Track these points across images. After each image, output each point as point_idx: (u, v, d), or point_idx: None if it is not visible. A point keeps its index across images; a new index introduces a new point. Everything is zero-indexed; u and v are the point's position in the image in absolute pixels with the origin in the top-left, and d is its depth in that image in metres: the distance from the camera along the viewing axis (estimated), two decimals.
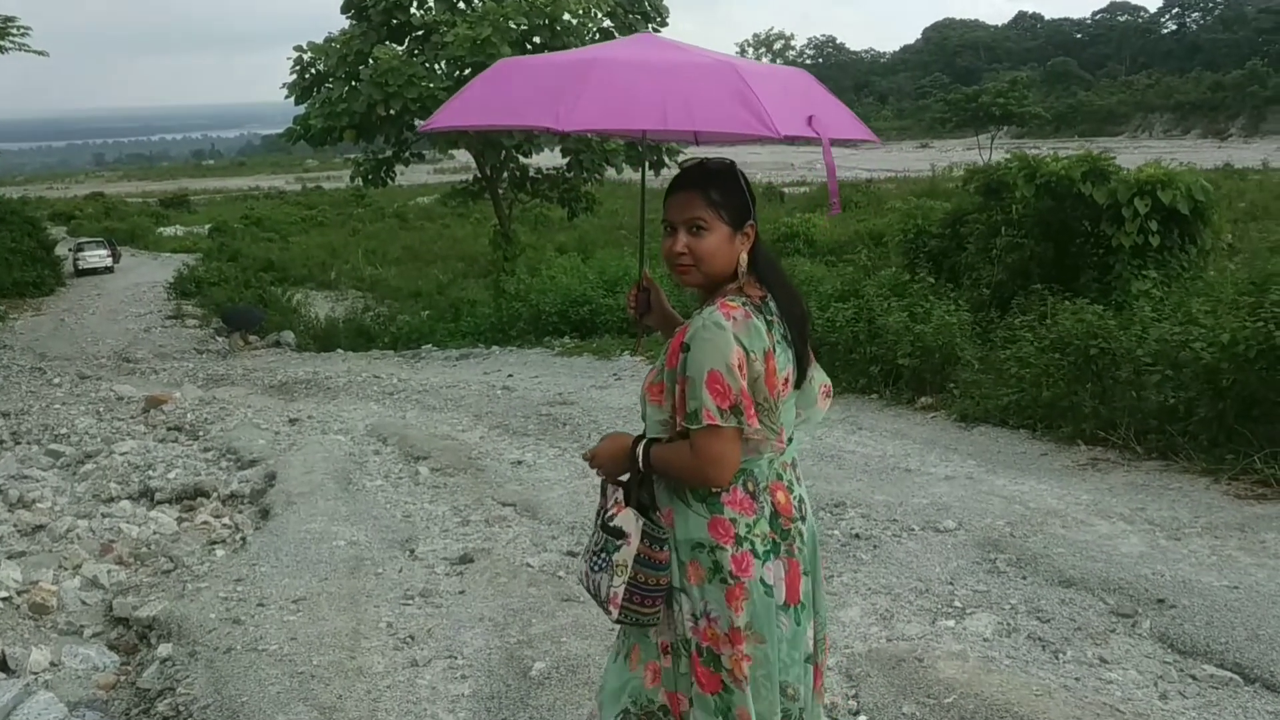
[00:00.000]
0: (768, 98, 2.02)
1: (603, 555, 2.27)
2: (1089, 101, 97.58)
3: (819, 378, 2.36)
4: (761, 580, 2.17)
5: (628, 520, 2.24)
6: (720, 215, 2.17)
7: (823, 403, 2.39)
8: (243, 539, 6.01)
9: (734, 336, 2.08)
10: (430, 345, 15.61)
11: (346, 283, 27.41)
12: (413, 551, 5.53)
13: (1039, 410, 6.92)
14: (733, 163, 2.21)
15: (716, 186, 2.18)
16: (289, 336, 18.99)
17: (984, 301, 9.66)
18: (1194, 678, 3.56)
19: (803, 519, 2.27)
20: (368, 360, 14.89)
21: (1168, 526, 5.00)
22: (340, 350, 16.79)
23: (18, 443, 10.14)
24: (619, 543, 2.25)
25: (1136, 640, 3.88)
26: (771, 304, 2.21)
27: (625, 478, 2.31)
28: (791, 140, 2.12)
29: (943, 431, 7.27)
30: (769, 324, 2.17)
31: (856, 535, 5.26)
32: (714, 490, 2.17)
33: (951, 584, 4.55)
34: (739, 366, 2.08)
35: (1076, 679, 3.60)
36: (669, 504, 2.24)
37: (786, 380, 2.21)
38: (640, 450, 2.24)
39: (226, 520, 6.59)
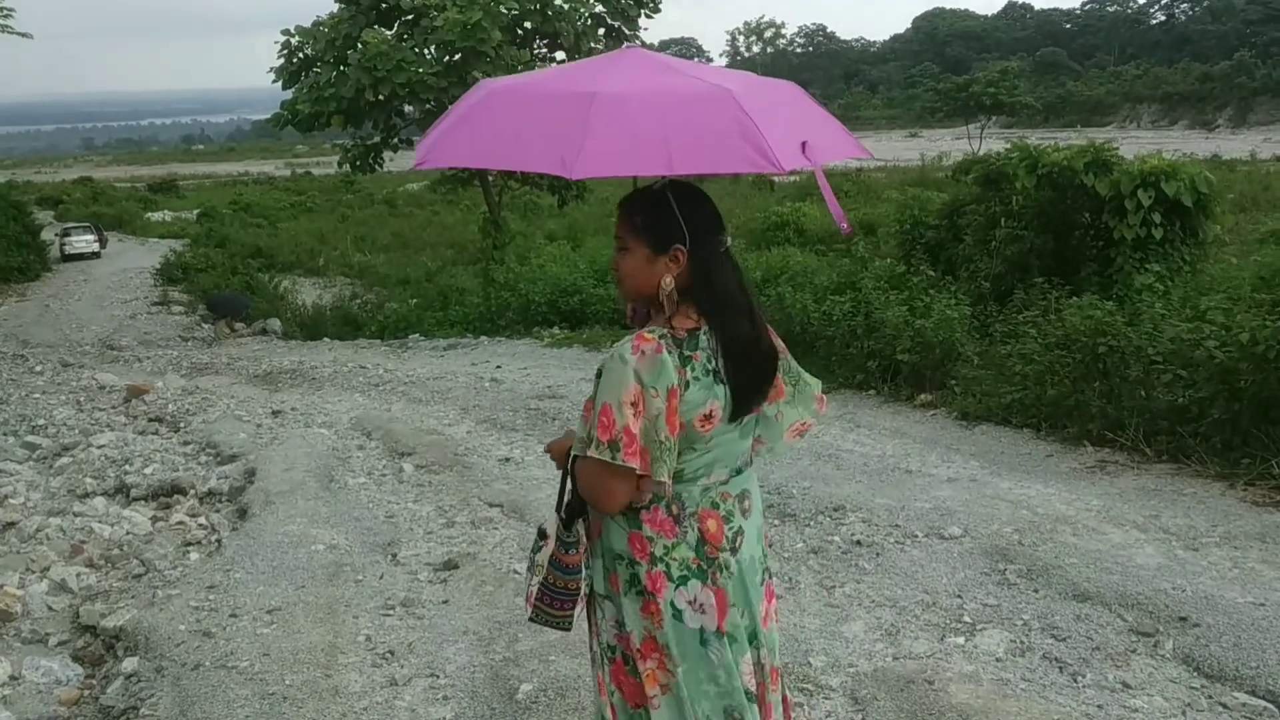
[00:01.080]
0: (769, 127, 1.95)
1: (531, 554, 2.34)
2: (1078, 92, 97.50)
3: (792, 415, 2.32)
4: (672, 603, 2.18)
5: (550, 523, 2.28)
6: (640, 237, 2.14)
7: (790, 438, 2.35)
8: (218, 541, 5.77)
9: (634, 372, 2.06)
10: (418, 335, 15.34)
11: (335, 269, 27.04)
12: (395, 556, 5.30)
13: (1043, 409, 6.71)
14: (664, 187, 2.14)
15: (642, 209, 2.16)
16: (275, 324, 18.66)
17: (982, 294, 9.45)
18: (1225, 706, 3.34)
19: (733, 551, 2.22)
20: (354, 350, 14.63)
21: (1184, 535, 4.79)
22: (327, 339, 16.50)
23: None
24: (541, 543, 2.30)
25: (1159, 662, 3.67)
26: (704, 337, 2.13)
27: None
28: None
29: (943, 430, 7.06)
30: (685, 360, 2.11)
31: (858, 542, 5.04)
32: (634, 505, 2.16)
33: (960, 597, 4.34)
34: (632, 403, 2.05)
35: (1099, 706, 3.39)
36: (598, 513, 2.25)
37: (710, 416, 2.13)
38: (570, 460, 2.26)
39: (202, 520, 6.34)
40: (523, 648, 4.05)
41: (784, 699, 2.43)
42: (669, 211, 2.12)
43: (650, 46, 20.76)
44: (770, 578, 2.38)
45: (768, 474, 6.29)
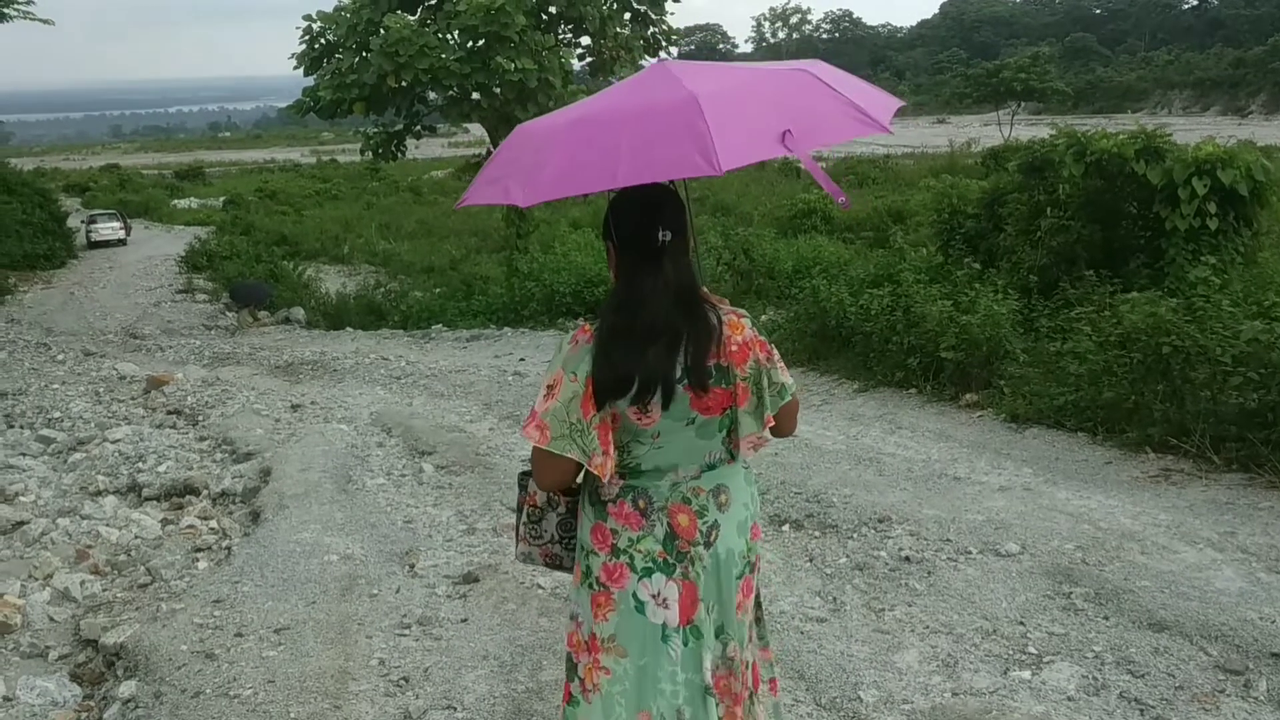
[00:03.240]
0: (728, 126, 2.00)
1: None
2: (1107, 78, 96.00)
3: (748, 426, 2.27)
4: (634, 594, 2.24)
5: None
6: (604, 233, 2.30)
7: (744, 449, 2.30)
8: (228, 549, 5.49)
9: (562, 360, 2.20)
10: (440, 325, 15.09)
11: (359, 257, 26.88)
12: (412, 567, 5.00)
13: (1099, 412, 6.32)
14: (618, 192, 2.23)
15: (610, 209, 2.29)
16: (299, 313, 18.48)
17: (1026, 287, 9.04)
18: None
19: (707, 544, 2.26)
20: (377, 340, 14.38)
21: (1265, 556, 4.40)
22: (350, 328, 16.30)
23: (10, 426, 9.69)
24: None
25: (1254, 706, 3.30)
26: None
27: None
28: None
29: (991, 433, 6.68)
30: None
31: (906, 558, 4.69)
32: (603, 497, 2.27)
33: (1023, 623, 3.98)
34: (549, 386, 2.19)
35: None
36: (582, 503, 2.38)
37: (646, 409, 2.19)
38: None
39: (214, 524, 6.07)
40: (547, 677, 3.74)
41: (772, 681, 2.50)
42: (611, 213, 2.26)
43: (675, 33, 20.44)
44: (752, 572, 2.36)
45: (805, 479, 5.95)
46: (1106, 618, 3.97)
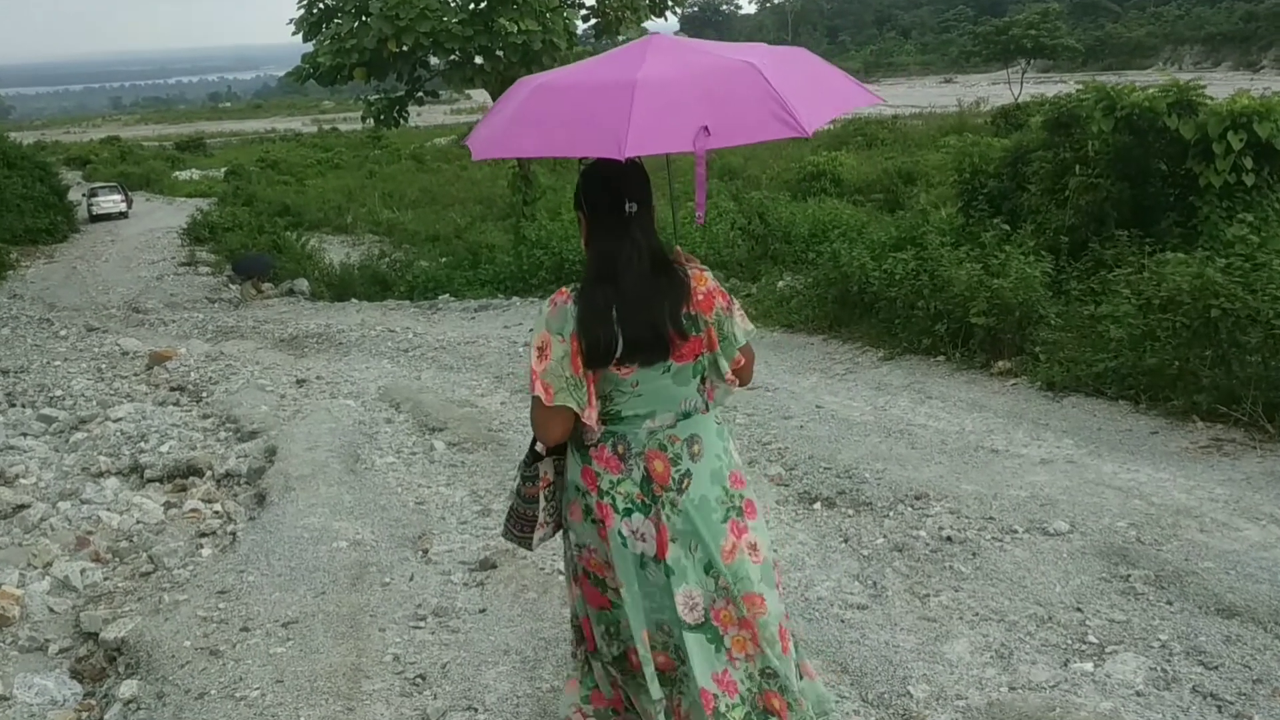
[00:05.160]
0: (649, 114, 2.18)
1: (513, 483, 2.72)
2: (1117, 34, 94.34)
3: (722, 369, 2.45)
4: (619, 532, 2.43)
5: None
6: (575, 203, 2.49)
7: (713, 392, 2.51)
8: (233, 535, 5.25)
9: (545, 321, 2.39)
10: (447, 295, 14.79)
11: (363, 227, 26.52)
12: (425, 552, 4.76)
13: (1141, 379, 6.03)
14: (592, 162, 2.43)
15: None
16: (303, 285, 18.17)
17: (1054, 248, 8.72)
18: None
19: (680, 491, 2.43)
20: (382, 311, 14.11)
21: None
22: (355, 299, 16.01)
23: (12, 405, 9.47)
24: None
25: None
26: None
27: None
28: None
29: (1027, 402, 6.39)
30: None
31: (948, 538, 4.43)
32: (586, 442, 2.46)
33: (1080, 609, 3.73)
34: (539, 348, 2.38)
35: None
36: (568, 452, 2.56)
37: (620, 364, 2.37)
38: None
39: (218, 508, 5.84)
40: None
41: (780, 631, 2.51)
42: (582, 184, 2.46)
43: None
44: (739, 516, 2.48)
45: (834, 454, 5.70)
46: (1170, 603, 3.71)
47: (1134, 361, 6.12)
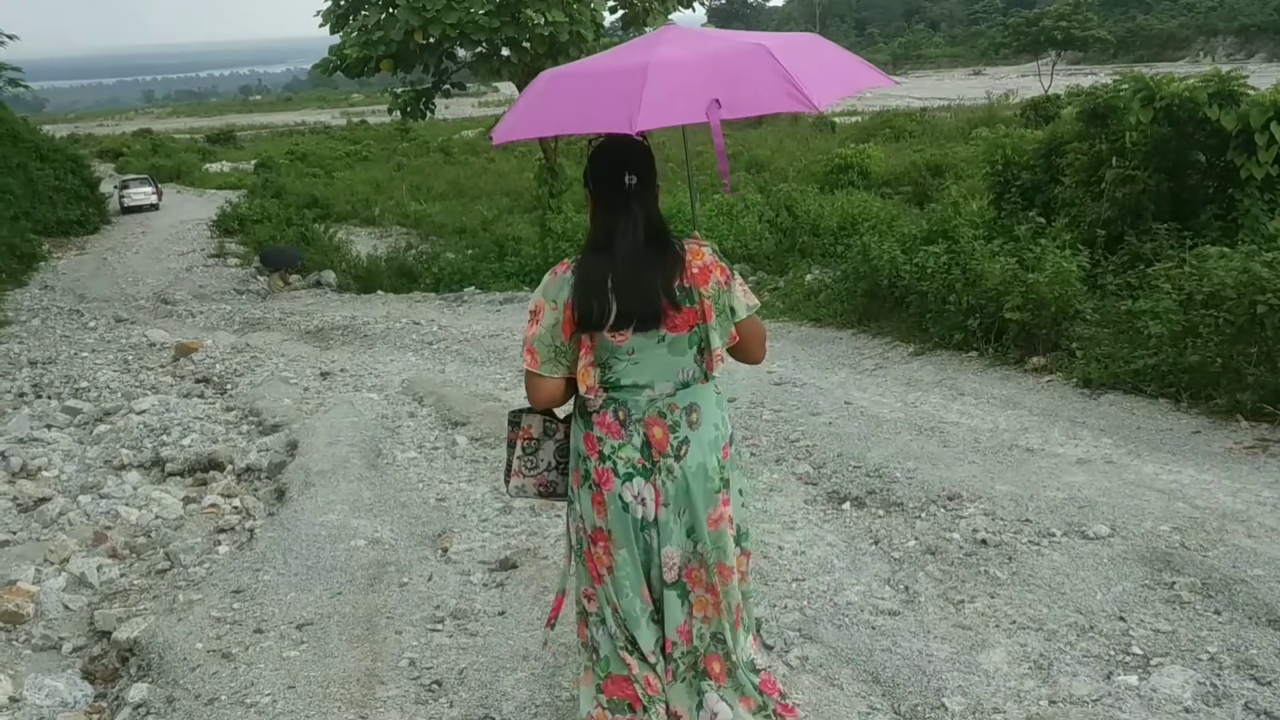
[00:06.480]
0: (660, 93, 2.27)
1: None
2: (1148, 25, 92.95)
3: (716, 341, 2.51)
4: (620, 496, 2.53)
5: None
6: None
7: (713, 363, 2.54)
8: (250, 532, 5.17)
9: (543, 289, 2.49)
10: (473, 287, 14.73)
11: (390, 219, 26.52)
12: (445, 551, 4.66)
13: (1182, 376, 5.84)
14: (599, 141, 2.54)
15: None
16: (330, 276, 18.17)
17: (1090, 242, 8.50)
18: None
19: (678, 458, 2.52)
20: (408, 304, 14.07)
21: None
22: (381, 291, 15.98)
23: (39, 396, 9.51)
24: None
25: None
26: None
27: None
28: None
29: (1063, 400, 6.21)
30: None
31: (983, 541, 4.28)
32: (588, 409, 2.55)
33: (1123, 618, 3.57)
34: (533, 312, 2.50)
35: None
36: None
37: (614, 331, 2.45)
38: None
39: (236, 503, 5.77)
40: None
41: (736, 606, 2.64)
42: (589, 163, 2.55)
43: None
44: (726, 488, 2.59)
45: (863, 452, 5.55)
46: (1218, 612, 3.55)
47: (1175, 358, 5.92)
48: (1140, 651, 3.36)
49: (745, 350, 2.60)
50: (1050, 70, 54.34)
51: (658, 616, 2.62)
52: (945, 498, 4.78)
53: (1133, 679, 3.21)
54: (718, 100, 2.24)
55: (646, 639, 2.60)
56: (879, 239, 9.34)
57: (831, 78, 2.44)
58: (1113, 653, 3.37)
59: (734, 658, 2.65)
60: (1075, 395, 6.24)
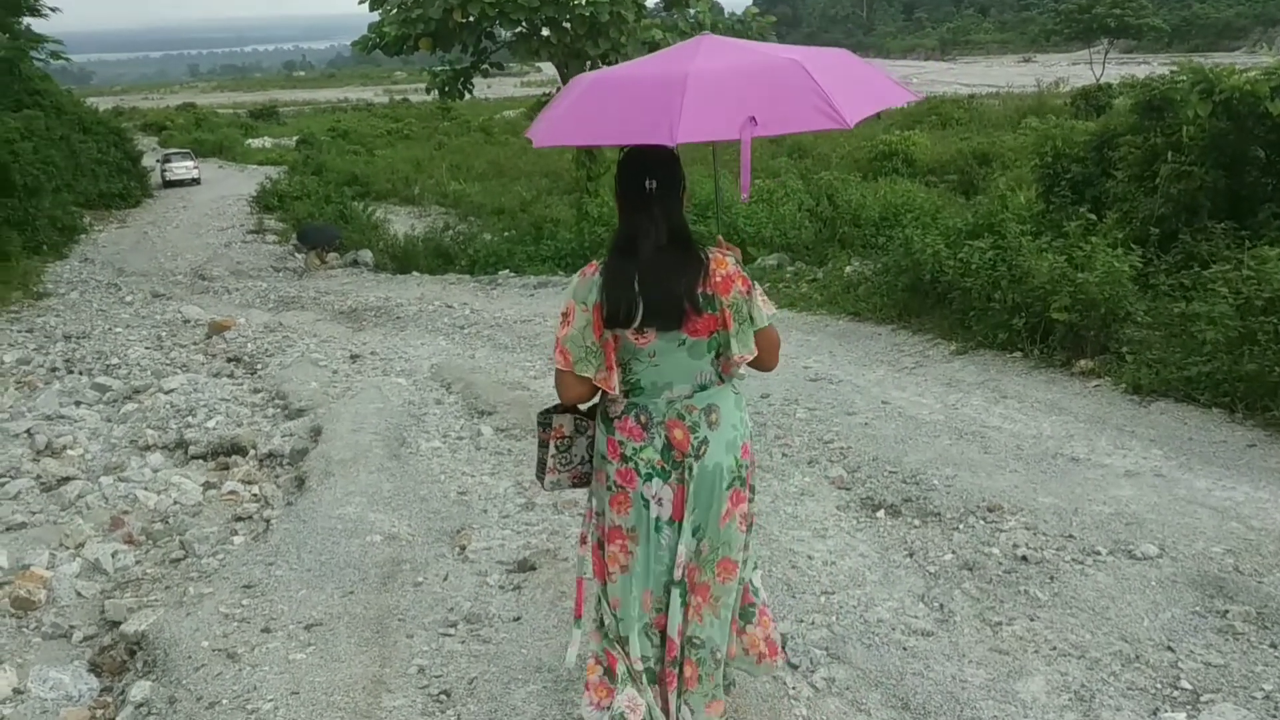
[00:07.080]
0: (700, 103, 2.34)
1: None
2: (1204, 14, 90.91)
3: (737, 348, 2.57)
4: (642, 495, 2.63)
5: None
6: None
7: (729, 367, 2.64)
8: (267, 521, 5.07)
9: (572, 291, 2.58)
10: (508, 270, 14.60)
11: (430, 198, 26.47)
12: (463, 549, 4.53)
13: (1238, 385, 5.57)
14: (624, 152, 2.64)
15: None
16: (366, 256, 18.12)
17: (1142, 240, 8.20)
18: None
19: (698, 457, 2.60)
20: (442, 286, 13.97)
21: None
22: (416, 273, 15.90)
23: (70, 371, 9.51)
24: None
25: None
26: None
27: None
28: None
29: (1111, 406, 5.95)
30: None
31: (1023, 557, 4.07)
32: (611, 415, 2.65)
33: (1171, 648, 3.35)
34: (564, 314, 2.57)
35: None
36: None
37: (642, 331, 2.53)
38: None
39: (256, 490, 5.68)
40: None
41: (743, 590, 2.81)
42: (617, 169, 2.64)
43: None
44: (742, 486, 2.67)
45: (900, 456, 5.34)
46: (1274, 645, 3.32)
47: (1230, 366, 5.65)
48: (1189, 686, 3.15)
49: (759, 358, 2.63)
50: (1103, 58, 53.29)
51: (654, 634, 2.71)
52: (985, 509, 4.57)
53: (1181, 716, 3.00)
54: (753, 118, 2.30)
55: (635, 648, 2.69)
56: (922, 231, 9.08)
57: (862, 94, 2.54)
58: (1159, 686, 3.17)
59: (718, 655, 2.72)
60: (1124, 402, 5.99)
